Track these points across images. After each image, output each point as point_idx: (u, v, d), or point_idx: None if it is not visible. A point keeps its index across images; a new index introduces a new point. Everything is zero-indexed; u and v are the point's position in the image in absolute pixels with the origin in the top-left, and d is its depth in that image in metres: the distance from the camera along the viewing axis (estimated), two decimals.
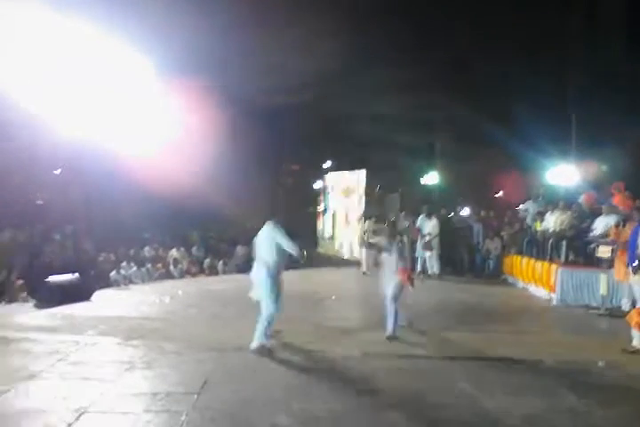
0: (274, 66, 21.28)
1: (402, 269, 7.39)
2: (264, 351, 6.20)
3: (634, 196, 10.98)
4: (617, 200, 11.26)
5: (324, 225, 19.46)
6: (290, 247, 6.32)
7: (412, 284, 7.52)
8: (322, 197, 19.75)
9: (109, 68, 11.58)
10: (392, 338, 7.21)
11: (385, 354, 6.48)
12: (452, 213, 16.04)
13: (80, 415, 4.34)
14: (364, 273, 13.85)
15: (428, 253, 13.67)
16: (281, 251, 6.38)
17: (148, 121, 13.42)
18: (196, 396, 4.83)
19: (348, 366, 5.96)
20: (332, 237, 18.86)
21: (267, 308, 6.30)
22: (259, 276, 6.46)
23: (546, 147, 19.74)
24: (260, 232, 6.58)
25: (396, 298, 7.32)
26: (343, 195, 18.09)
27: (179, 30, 14.79)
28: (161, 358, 6.04)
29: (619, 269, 8.86)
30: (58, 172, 22.29)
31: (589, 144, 18.12)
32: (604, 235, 9.76)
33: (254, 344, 6.26)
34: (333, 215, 18.74)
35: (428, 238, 13.55)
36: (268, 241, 6.40)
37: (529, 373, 5.84)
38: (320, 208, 19.70)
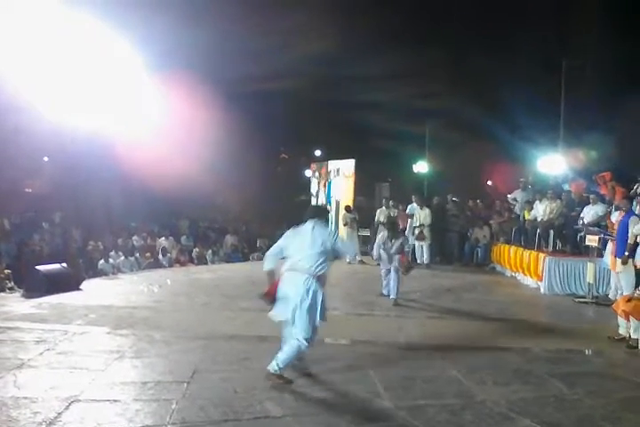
0: (264, 53, 21.13)
1: (401, 255, 8.95)
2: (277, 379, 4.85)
3: (621, 185, 11.03)
4: (604, 190, 11.32)
5: None
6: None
7: (406, 270, 8.96)
8: (320, 186, 19.41)
9: (97, 55, 11.47)
10: (396, 304, 8.74)
11: (372, 341, 6.52)
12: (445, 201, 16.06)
13: (69, 404, 4.33)
14: (348, 262, 13.93)
15: (421, 243, 13.75)
16: (328, 255, 5.03)
17: (136, 109, 13.32)
18: (185, 385, 4.83)
19: (336, 353, 5.98)
20: None
21: (301, 331, 4.82)
22: (296, 287, 4.89)
23: (535, 136, 19.85)
24: (291, 232, 5.15)
25: (397, 270, 8.82)
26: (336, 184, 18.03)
27: (164, 19, 14.69)
28: (150, 348, 6.03)
29: (611, 258, 8.93)
30: (46, 159, 22.15)
31: (578, 133, 18.24)
32: (593, 224, 9.82)
33: (272, 368, 4.84)
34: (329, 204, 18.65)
35: (420, 229, 13.63)
36: (317, 244, 4.94)
37: (516, 361, 5.89)
38: (321, 198, 19.47)
